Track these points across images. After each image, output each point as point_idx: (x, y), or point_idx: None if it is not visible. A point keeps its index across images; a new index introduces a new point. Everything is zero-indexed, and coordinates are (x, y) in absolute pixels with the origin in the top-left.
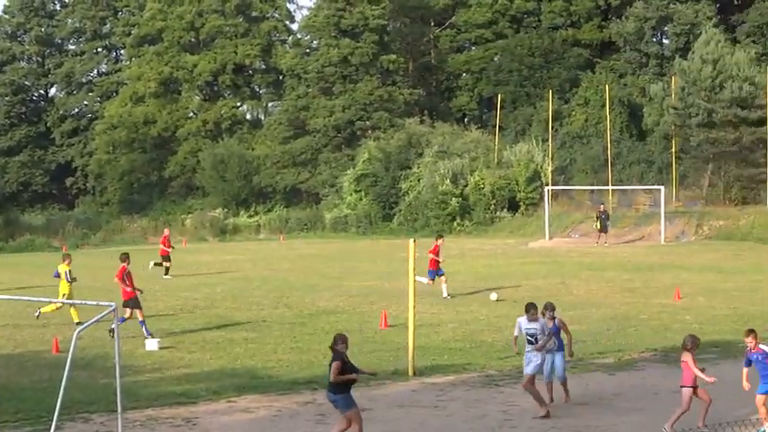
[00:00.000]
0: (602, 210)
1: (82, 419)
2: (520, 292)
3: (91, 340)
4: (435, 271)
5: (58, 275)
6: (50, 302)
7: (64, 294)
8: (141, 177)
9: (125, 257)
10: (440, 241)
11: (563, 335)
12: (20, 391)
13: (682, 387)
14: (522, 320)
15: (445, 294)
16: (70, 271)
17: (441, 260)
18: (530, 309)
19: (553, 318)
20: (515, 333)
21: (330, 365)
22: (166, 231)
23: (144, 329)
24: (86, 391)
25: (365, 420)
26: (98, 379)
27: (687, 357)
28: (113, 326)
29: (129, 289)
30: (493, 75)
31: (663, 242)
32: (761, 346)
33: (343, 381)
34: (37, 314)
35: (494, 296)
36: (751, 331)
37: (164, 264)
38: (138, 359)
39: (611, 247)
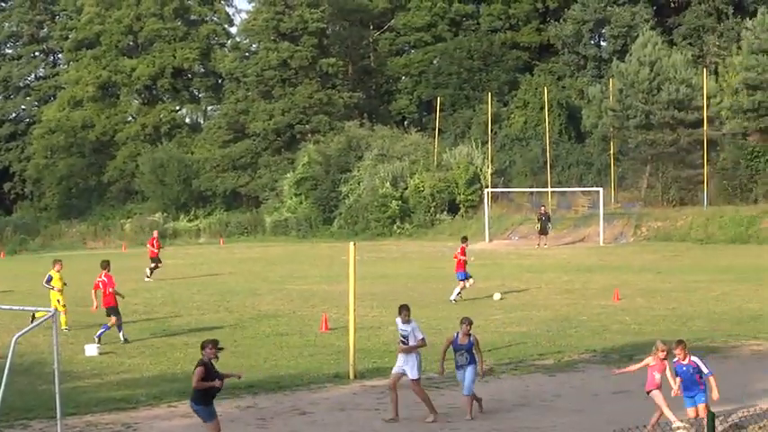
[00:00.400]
0: (542, 212)
1: (20, 426)
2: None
3: (29, 346)
4: (465, 273)
5: (50, 281)
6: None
7: (58, 300)
8: (80, 182)
9: (108, 264)
10: (465, 243)
11: (476, 351)
12: None
13: (649, 392)
14: (398, 321)
15: (453, 297)
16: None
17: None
18: (402, 310)
19: (468, 333)
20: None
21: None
22: (155, 233)
23: (121, 334)
24: (25, 397)
25: (307, 424)
26: (37, 385)
27: (656, 363)
28: (122, 337)
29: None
30: (432, 78)
31: (602, 243)
32: (692, 358)
33: (204, 387)
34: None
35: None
36: (680, 342)
37: (151, 265)
38: (77, 365)
39: (551, 249)
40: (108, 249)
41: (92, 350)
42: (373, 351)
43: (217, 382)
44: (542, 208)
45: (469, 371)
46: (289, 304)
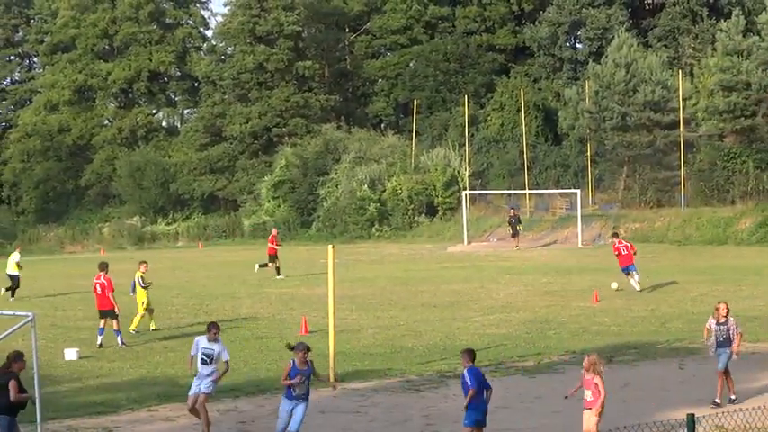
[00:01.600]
0: (512, 214)
1: None
2: (439, 297)
3: (8, 350)
4: (627, 267)
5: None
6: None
7: (142, 302)
8: (57, 186)
9: (106, 266)
10: (616, 240)
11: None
12: None
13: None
14: (202, 340)
15: (638, 288)
16: (143, 277)
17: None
18: (211, 328)
19: (307, 361)
20: (192, 352)
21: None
22: (274, 231)
23: (119, 338)
24: None
25: None
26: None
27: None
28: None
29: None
30: (408, 80)
31: (580, 245)
32: (465, 370)
33: (23, 400)
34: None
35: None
36: (465, 351)
37: (270, 264)
38: (57, 369)
39: (529, 251)
40: (86, 253)
41: (71, 354)
42: (353, 354)
43: (27, 395)
44: (512, 210)
45: (301, 408)
46: (268, 307)
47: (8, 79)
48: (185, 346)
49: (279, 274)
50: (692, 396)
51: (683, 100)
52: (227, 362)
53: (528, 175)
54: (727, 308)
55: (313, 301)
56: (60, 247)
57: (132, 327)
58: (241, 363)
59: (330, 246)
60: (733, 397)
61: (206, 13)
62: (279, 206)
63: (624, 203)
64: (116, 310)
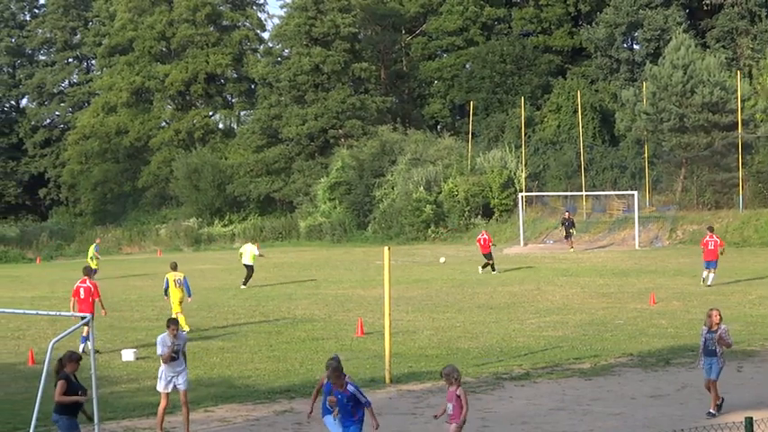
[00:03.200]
0: (566, 217)
1: None
2: (495, 299)
3: (67, 351)
4: (709, 262)
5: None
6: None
7: (180, 301)
8: (114, 188)
9: (91, 271)
10: (708, 235)
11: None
12: None
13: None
14: (165, 337)
15: (709, 282)
16: (177, 280)
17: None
18: (170, 324)
19: (346, 382)
20: (160, 351)
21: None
22: (485, 233)
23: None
24: None
25: None
26: None
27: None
28: (82, 346)
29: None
30: (465, 82)
31: (637, 247)
32: (349, 387)
33: (67, 402)
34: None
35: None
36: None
37: (488, 261)
38: (114, 370)
39: (584, 253)
40: (143, 254)
41: (128, 355)
42: (409, 355)
43: (80, 397)
44: (566, 213)
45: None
46: (324, 309)
47: (66, 81)
48: (242, 347)
49: (495, 270)
50: (749, 399)
51: (742, 101)
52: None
53: (585, 176)
54: (720, 315)
55: (369, 302)
56: (118, 249)
57: (186, 328)
58: (297, 364)
59: (386, 247)
60: (713, 411)
61: (262, 16)
62: (335, 208)
63: (682, 205)
64: (99, 314)
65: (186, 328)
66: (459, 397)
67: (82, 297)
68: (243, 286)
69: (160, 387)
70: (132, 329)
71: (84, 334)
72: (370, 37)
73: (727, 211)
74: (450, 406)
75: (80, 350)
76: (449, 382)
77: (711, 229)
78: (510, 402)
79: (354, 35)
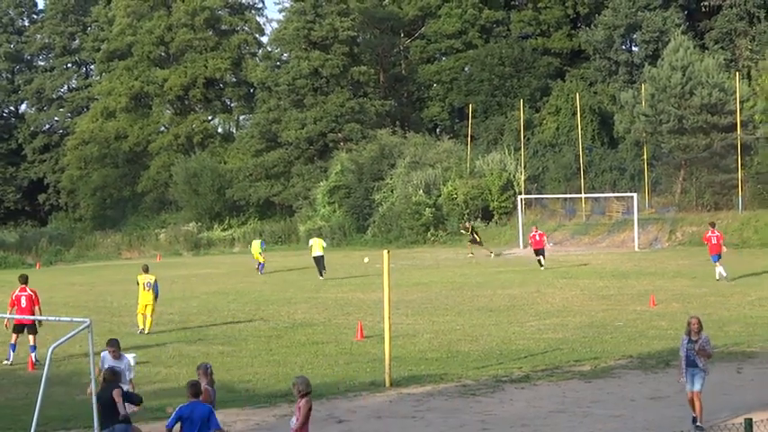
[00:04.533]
0: (466, 226)
1: None
2: (495, 301)
3: (66, 357)
4: (713, 255)
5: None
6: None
7: (148, 304)
8: (114, 193)
9: (27, 279)
10: (710, 230)
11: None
12: None
13: None
14: (107, 357)
15: (724, 275)
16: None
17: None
18: (111, 345)
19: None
20: (99, 366)
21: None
22: (536, 229)
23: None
24: (62, 407)
25: None
26: (74, 395)
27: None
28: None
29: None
30: (464, 85)
31: (637, 249)
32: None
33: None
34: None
35: (366, 260)
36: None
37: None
38: None
39: (586, 255)
40: (143, 259)
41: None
42: (409, 359)
43: None
44: (467, 224)
45: None
46: (324, 313)
47: (65, 87)
48: (242, 351)
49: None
50: (750, 400)
51: (741, 102)
52: (131, 381)
53: (584, 178)
54: (700, 323)
55: (368, 305)
56: (117, 254)
57: (146, 329)
58: (297, 368)
59: (386, 251)
60: (700, 424)
61: (261, 20)
62: (334, 211)
63: (681, 207)
64: (37, 325)
65: (146, 330)
66: (299, 408)
67: (23, 306)
68: (321, 277)
69: None
70: (131, 334)
71: (32, 343)
72: (369, 40)
73: (727, 213)
74: (293, 419)
75: (8, 359)
76: (297, 394)
77: (713, 225)
78: (510, 405)
79: (353, 39)
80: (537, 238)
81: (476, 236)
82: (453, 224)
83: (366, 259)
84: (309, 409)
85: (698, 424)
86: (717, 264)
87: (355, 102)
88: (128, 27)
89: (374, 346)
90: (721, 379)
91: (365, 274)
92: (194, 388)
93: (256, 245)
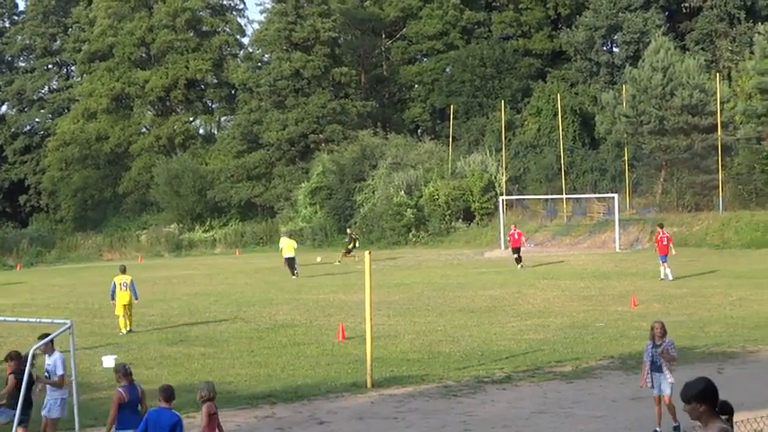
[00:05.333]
0: (350, 233)
1: None
2: (477, 302)
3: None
4: (663, 256)
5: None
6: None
7: (126, 304)
8: (95, 194)
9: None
10: (661, 231)
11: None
12: None
13: None
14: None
15: (670, 278)
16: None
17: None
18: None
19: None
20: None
21: None
22: (515, 228)
23: None
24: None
25: None
26: None
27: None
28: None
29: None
30: (445, 86)
31: (618, 249)
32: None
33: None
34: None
35: (318, 259)
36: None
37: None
38: (95, 376)
39: (566, 255)
40: (124, 261)
41: (109, 361)
42: (390, 360)
43: None
44: (348, 230)
45: None
46: (305, 314)
47: (46, 88)
48: (224, 353)
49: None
50: (730, 400)
51: (721, 103)
52: (61, 376)
53: (565, 179)
54: (663, 327)
55: (350, 307)
56: (98, 255)
57: (123, 330)
58: (278, 369)
59: (367, 252)
60: (675, 424)
61: (242, 21)
62: (316, 212)
63: (662, 207)
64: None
65: (123, 331)
66: (204, 415)
67: None
68: (293, 277)
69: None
70: (113, 335)
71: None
72: (350, 41)
73: (707, 213)
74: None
75: None
76: (198, 398)
77: (662, 226)
78: (491, 406)
79: (334, 40)
80: (516, 236)
81: (353, 244)
82: (435, 225)
83: (318, 259)
84: (212, 415)
85: (675, 425)
86: (664, 264)
87: (337, 103)
88: (109, 28)
89: (355, 347)
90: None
91: (346, 272)
92: (164, 393)
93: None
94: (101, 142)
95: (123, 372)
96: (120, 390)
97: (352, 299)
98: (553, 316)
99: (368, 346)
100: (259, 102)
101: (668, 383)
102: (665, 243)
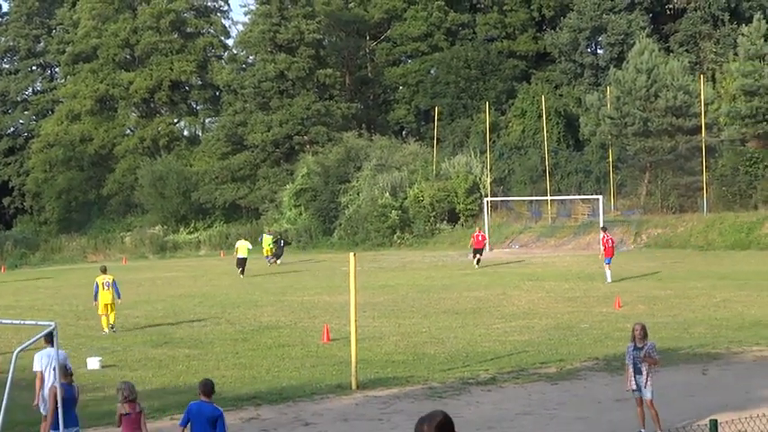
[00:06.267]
0: (279, 239)
1: None
2: (461, 304)
3: (31, 360)
4: (608, 258)
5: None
6: None
7: (108, 303)
8: (79, 196)
9: None
10: (605, 235)
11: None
12: None
13: None
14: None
15: (609, 280)
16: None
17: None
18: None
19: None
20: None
21: None
22: (480, 231)
23: None
24: (28, 411)
25: None
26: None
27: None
28: None
29: None
30: (430, 87)
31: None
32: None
33: None
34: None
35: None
36: None
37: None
38: (79, 378)
39: (551, 257)
40: (108, 262)
41: (94, 363)
42: (375, 361)
43: None
44: (278, 235)
45: None
46: (290, 315)
47: (30, 89)
48: (208, 354)
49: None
50: (715, 401)
51: (705, 105)
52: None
53: (549, 181)
54: (644, 329)
55: (335, 308)
56: (83, 257)
57: (105, 329)
58: (263, 371)
59: (352, 253)
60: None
61: (227, 22)
62: (300, 214)
63: (646, 209)
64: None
65: (106, 330)
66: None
67: None
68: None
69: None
70: (97, 338)
71: None
72: (335, 43)
73: (692, 215)
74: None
75: None
76: (120, 398)
77: (605, 229)
78: (476, 407)
79: (319, 41)
80: (479, 238)
81: (280, 247)
82: (419, 227)
83: (278, 261)
84: (126, 415)
85: (641, 430)
86: (608, 266)
87: (321, 104)
88: (93, 30)
89: (340, 349)
90: (687, 380)
91: (331, 278)
92: (204, 387)
93: (268, 239)
94: (85, 144)
95: (63, 372)
96: (56, 386)
97: (336, 300)
98: (538, 317)
99: (353, 347)
100: (243, 103)
101: (650, 388)
102: (610, 245)
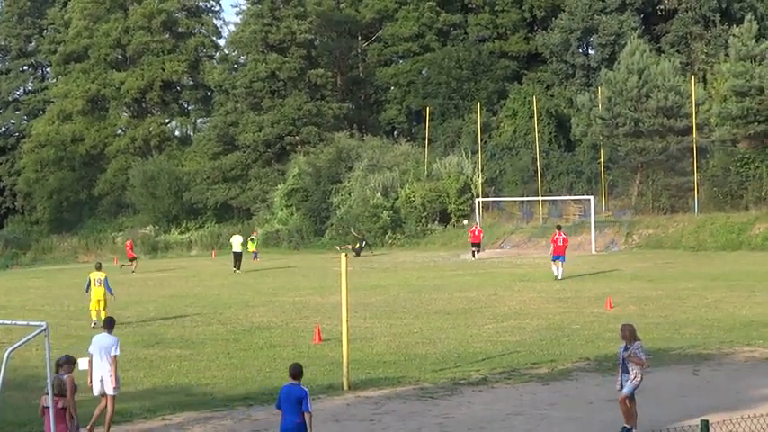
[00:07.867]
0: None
1: None
2: (453, 304)
3: (22, 360)
4: (558, 256)
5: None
6: None
7: (100, 299)
8: (70, 196)
9: None
10: (557, 232)
11: None
12: None
13: None
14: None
15: (560, 276)
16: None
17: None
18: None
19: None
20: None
21: None
22: (477, 226)
23: None
24: (19, 411)
25: None
26: (31, 399)
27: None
28: None
29: None
30: (421, 87)
31: (594, 252)
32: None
33: None
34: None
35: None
36: None
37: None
38: None
39: (543, 258)
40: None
41: (85, 364)
42: (366, 362)
43: None
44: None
45: None
46: (281, 316)
47: (21, 89)
48: (200, 355)
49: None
50: (706, 402)
51: (696, 105)
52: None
53: (541, 181)
54: (631, 330)
55: (326, 309)
56: (74, 257)
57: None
58: (255, 371)
59: (343, 254)
60: (628, 426)
61: (218, 23)
62: (292, 214)
63: (637, 209)
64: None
65: (94, 319)
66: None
67: None
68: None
69: None
70: (89, 338)
71: None
72: (326, 43)
73: (683, 216)
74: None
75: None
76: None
77: (559, 228)
78: (468, 407)
79: (310, 42)
80: (476, 233)
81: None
82: (411, 227)
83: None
84: (62, 409)
85: (627, 426)
86: (561, 264)
87: (312, 105)
88: (84, 29)
89: (332, 350)
90: (678, 381)
91: (323, 278)
92: (293, 369)
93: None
94: (76, 144)
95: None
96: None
97: (328, 301)
98: (529, 318)
99: (344, 348)
100: (235, 103)
101: (630, 384)
102: (560, 244)
